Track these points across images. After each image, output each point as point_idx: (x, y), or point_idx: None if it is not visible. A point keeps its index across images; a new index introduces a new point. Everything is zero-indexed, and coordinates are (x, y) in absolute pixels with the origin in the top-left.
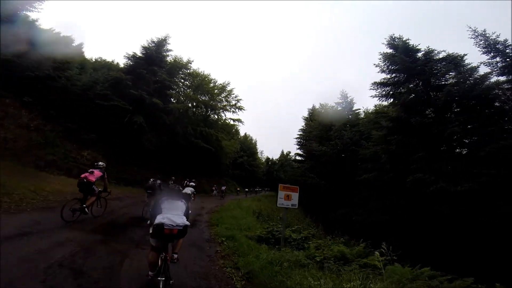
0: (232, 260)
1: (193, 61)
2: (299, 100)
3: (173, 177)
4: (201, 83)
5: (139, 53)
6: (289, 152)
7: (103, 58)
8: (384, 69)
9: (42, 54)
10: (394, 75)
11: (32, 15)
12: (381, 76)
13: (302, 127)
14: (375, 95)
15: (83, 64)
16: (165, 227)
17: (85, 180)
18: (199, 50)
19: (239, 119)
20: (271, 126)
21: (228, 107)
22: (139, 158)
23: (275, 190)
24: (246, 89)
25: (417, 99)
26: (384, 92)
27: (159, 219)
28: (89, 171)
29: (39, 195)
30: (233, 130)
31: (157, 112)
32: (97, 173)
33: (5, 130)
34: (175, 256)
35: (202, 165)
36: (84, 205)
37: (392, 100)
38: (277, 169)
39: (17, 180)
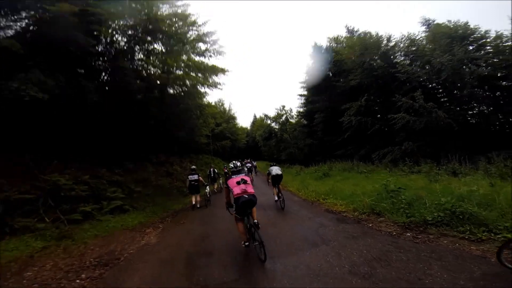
0: None
1: None
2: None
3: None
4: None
5: None
6: (283, 106)
7: None
8: None
9: None
10: None
11: None
12: None
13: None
14: None
15: None
16: None
17: (247, 196)
18: None
19: (223, 68)
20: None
21: (202, 47)
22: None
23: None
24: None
25: None
26: None
27: None
28: (239, 181)
29: None
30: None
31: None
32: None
33: None
34: None
35: (171, 137)
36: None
37: None
38: (280, 128)
39: None
